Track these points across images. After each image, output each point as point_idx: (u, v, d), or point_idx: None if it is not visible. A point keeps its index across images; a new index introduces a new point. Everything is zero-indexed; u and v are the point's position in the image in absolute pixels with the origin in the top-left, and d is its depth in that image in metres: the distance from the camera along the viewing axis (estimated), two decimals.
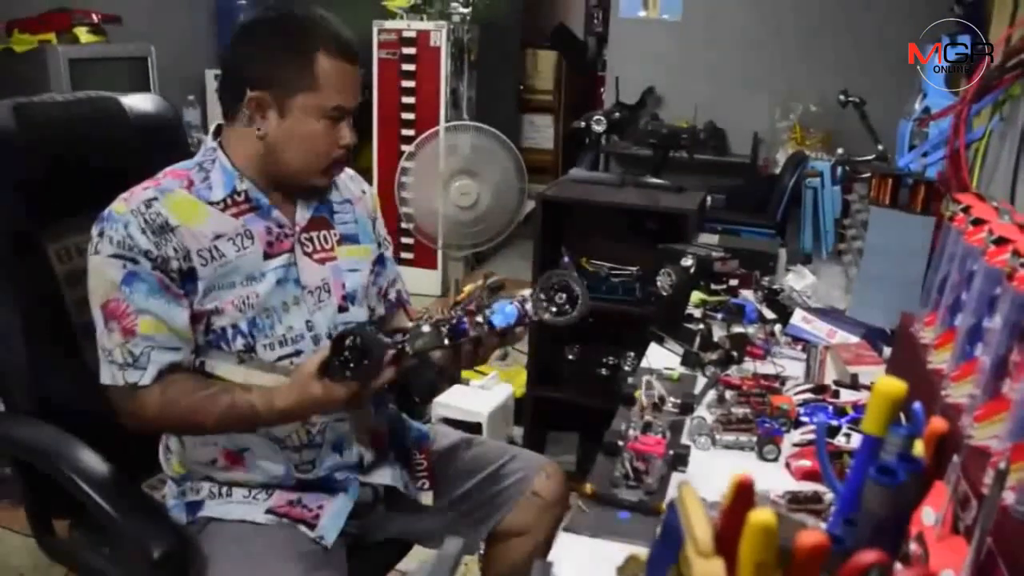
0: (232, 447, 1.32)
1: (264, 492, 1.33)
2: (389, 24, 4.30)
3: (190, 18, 4.41)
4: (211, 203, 1.27)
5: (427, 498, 1.46)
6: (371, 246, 1.47)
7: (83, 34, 3.35)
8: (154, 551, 1.18)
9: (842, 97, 3.24)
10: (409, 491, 1.44)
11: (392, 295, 1.54)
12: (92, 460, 1.29)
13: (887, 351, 1.58)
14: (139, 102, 1.63)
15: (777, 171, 3.73)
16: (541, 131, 6.51)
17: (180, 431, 1.32)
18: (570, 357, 2.89)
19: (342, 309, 1.38)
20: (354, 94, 1.29)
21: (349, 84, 1.27)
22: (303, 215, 1.36)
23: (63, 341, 1.46)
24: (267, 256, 1.30)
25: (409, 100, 4.32)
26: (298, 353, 1.32)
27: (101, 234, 1.22)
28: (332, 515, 1.33)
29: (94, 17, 3.40)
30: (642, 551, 0.59)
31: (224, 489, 1.33)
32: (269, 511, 1.31)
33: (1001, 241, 1.01)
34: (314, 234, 1.37)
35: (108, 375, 1.24)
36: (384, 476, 1.42)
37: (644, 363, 1.64)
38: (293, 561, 1.25)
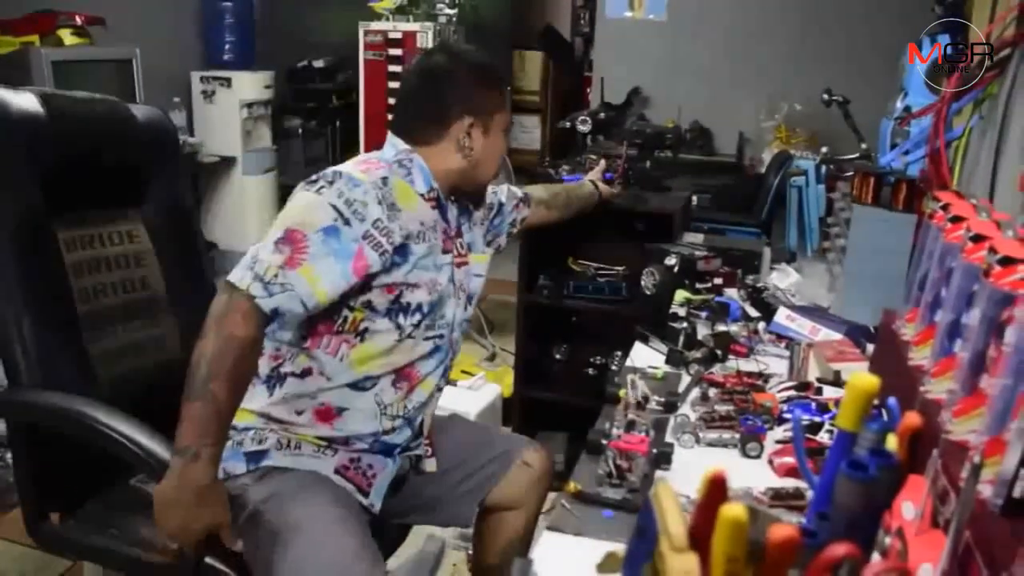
0: (333, 404, 1.39)
1: (330, 449, 1.40)
2: (375, 25, 4.29)
3: (175, 20, 4.40)
4: (419, 193, 1.43)
5: (431, 465, 1.55)
6: (488, 252, 1.66)
7: (67, 36, 3.34)
8: None
9: (826, 96, 3.26)
10: (421, 464, 1.55)
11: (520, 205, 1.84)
12: (130, 422, 1.33)
13: (871, 348, 1.59)
14: (143, 111, 1.72)
15: (762, 170, 3.75)
16: (528, 132, 6.53)
17: (206, 356, 1.22)
18: (558, 357, 2.89)
19: (465, 308, 1.55)
20: None
21: None
22: (453, 222, 1.52)
23: (68, 328, 1.49)
24: (444, 251, 1.46)
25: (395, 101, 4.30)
26: (441, 337, 1.47)
27: (332, 183, 1.32)
28: (380, 483, 1.44)
29: (78, 19, 3.38)
30: (621, 548, 0.59)
31: (292, 440, 1.39)
32: (336, 470, 1.39)
33: (978, 238, 1.01)
34: (457, 240, 1.53)
35: (238, 275, 1.24)
36: (420, 448, 1.53)
37: (629, 362, 1.64)
38: (354, 518, 1.33)
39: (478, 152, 1.47)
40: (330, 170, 1.36)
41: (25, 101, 1.48)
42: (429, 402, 1.49)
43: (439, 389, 1.53)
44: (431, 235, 1.43)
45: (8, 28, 3.22)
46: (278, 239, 1.27)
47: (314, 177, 1.35)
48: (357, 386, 1.40)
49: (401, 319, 1.39)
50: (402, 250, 1.36)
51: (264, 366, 1.41)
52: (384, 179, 1.36)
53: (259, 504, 1.32)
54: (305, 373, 1.39)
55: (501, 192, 1.78)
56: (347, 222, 1.29)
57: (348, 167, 1.37)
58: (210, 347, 1.22)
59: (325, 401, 1.39)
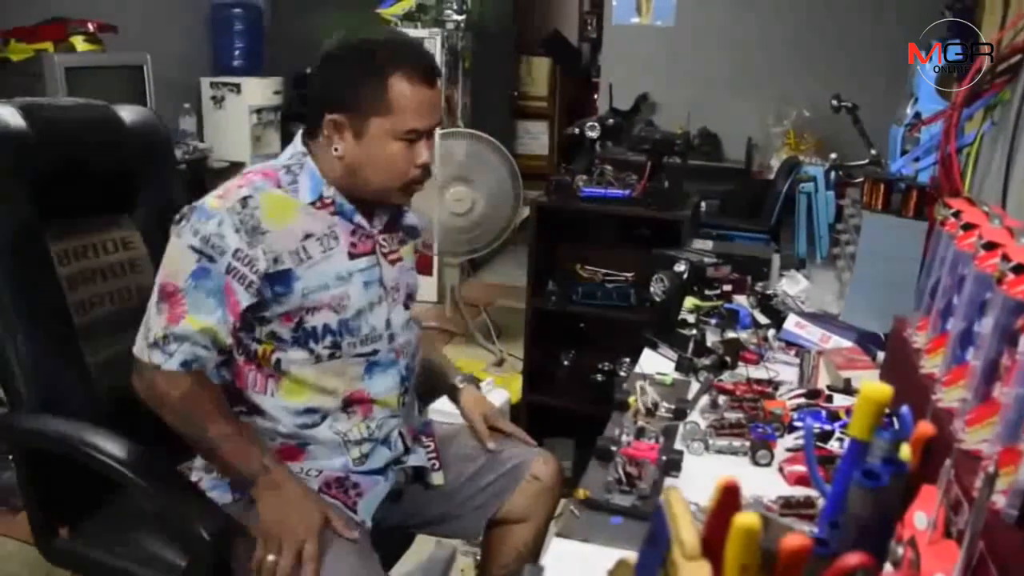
0: (295, 443, 1.35)
1: (315, 469, 1.37)
2: None
3: (185, 27, 4.42)
4: (304, 203, 1.32)
5: (439, 478, 1.50)
6: (415, 242, 1.54)
7: (79, 43, 3.36)
8: (204, 531, 1.21)
9: (835, 102, 3.25)
10: (426, 475, 1.50)
11: None
12: (128, 447, 1.32)
13: (881, 356, 1.58)
14: (132, 112, 1.67)
15: (771, 176, 3.73)
16: (536, 137, 6.53)
17: (181, 424, 1.28)
18: (565, 363, 2.89)
19: (406, 307, 1.45)
20: (431, 115, 1.31)
21: (425, 106, 1.29)
22: (381, 219, 1.41)
23: (66, 342, 1.47)
24: (351, 256, 1.35)
25: None
26: (375, 352, 1.37)
27: (187, 221, 1.25)
28: (369, 500, 1.39)
29: (90, 26, 3.41)
30: (632, 556, 0.59)
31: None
32: (320, 489, 1.35)
33: (991, 246, 1.01)
34: (387, 236, 1.42)
35: (137, 347, 1.27)
36: (415, 459, 1.47)
37: (638, 368, 1.64)
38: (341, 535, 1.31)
39: (350, 156, 1.29)
40: (188, 205, 1.28)
41: (5, 115, 1.44)
42: (399, 414, 1.43)
43: (412, 399, 1.47)
44: (324, 244, 1.31)
45: (23, 35, 3.24)
46: (158, 299, 1.26)
47: (177, 216, 1.28)
48: (307, 425, 1.34)
49: (312, 345, 1.31)
50: (281, 279, 1.27)
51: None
52: (245, 200, 1.25)
53: (253, 528, 1.29)
54: (253, 411, 1.34)
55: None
56: (211, 259, 1.23)
57: (208, 197, 1.28)
58: (170, 419, 1.27)
59: (284, 444, 1.35)
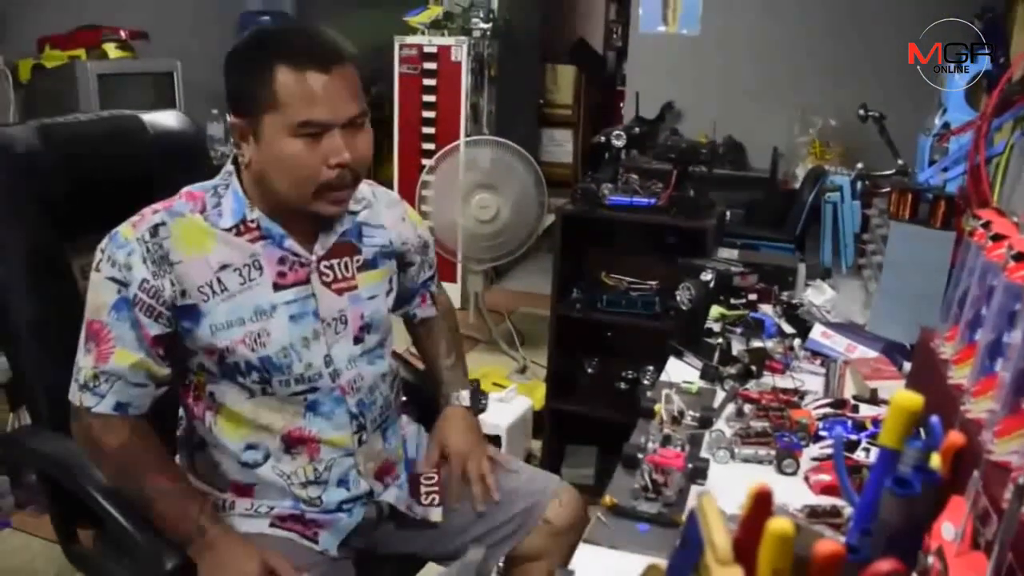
0: (242, 481, 1.30)
1: (266, 506, 1.30)
2: (410, 39, 4.34)
3: (215, 34, 4.48)
4: (222, 229, 1.22)
5: (436, 515, 1.41)
6: (390, 264, 1.41)
7: (111, 50, 3.43)
8: (167, 563, 1.20)
9: (862, 112, 3.23)
10: (413, 512, 1.40)
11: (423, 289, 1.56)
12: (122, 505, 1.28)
13: (907, 366, 1.58)
14: (161, 119, 1.66)
15: (797, 186, 3.72)
16: (561, 145, 6.55)
17: (117, 476, 1.24)
18: (589, 370, 2.89)
19: (357, 340, 1.32)
20: (333, 105, 1.15)
21: (321, 95, 1.14)
22: (324, 243, 1.28)
23: None
24: (278, 287, 1.24)
25: (430, 115, 4.35)
26: (314, 390, 1.27)
27: (104, 250, 1.20)
28: (332, 533, 1.32)
29: (122, 33, 3.47)
30: (661, 562, 0.60)
31: (227, 503, 1.30)
32: (272, 524, 1.30)
33: (1021, 257, 1.01)
34: (335, 262, 1.30)
35: (71, 391, 1.22)
36: (389, 495, 1.38)
37: (663, 377, 1.65)
38: (301, 569, 1.25)
39: (255, 162, 1.18)
40: (110, 233, 1.21)
41: (21, 137, 1.44)
42: (358, 451, 1.32)
43: (385, 432, 1.37)
44: (244, 276, 1.21)
45: (57, 43, 3.31)
46: (85, 338, 1.20)
47: (99, 246, 1.21)
48: (249, 464, 1.28)
49: (240, 379, 1.24)
50: (188, 313, 1.20)
51: (180, 432, 1.37)
52: (155, 228, 1.18)
53: None
54: (205, 444, 1.30)
55: (422, 255, 1.51)
56: (127, 286, 1.17)
57: (123, 224, 1.21)
58: (106, 470, 1.24)
59: (234, 479, 1.29)
